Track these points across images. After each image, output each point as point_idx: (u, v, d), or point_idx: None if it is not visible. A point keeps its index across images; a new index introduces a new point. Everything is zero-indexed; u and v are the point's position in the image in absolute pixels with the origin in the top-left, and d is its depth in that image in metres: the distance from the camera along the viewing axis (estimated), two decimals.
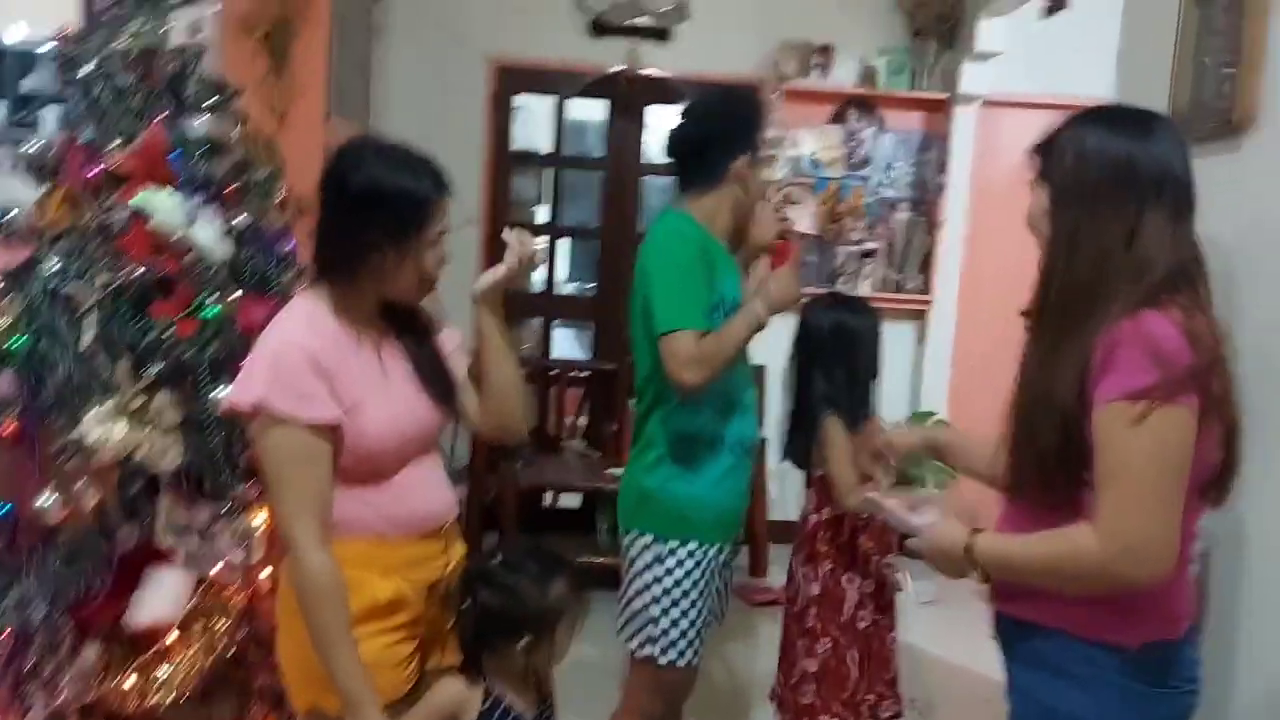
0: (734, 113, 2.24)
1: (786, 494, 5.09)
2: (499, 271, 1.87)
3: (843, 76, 5.03)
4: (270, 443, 1.63)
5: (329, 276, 1.72)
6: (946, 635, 3.91)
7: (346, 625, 1.61)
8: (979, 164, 4.99)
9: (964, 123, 4.91)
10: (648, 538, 2.19)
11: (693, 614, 2.18)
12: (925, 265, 5.05)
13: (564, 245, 5.88)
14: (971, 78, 4.82)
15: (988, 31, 4.67)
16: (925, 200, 5.08)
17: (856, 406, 2.45)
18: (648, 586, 2.19)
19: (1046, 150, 1.61)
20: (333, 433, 1.65)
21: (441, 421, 1.82)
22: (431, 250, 1.76)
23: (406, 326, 1.83)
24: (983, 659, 3.28)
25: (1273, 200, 2.38)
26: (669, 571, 2.17)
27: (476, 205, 5.10)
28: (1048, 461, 1.45)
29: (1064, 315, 1.48)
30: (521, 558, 1.78)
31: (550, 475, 4.47)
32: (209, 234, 2.03)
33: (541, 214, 5.51)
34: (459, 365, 1.90)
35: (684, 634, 2.17)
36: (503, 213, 5.19)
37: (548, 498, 4.97)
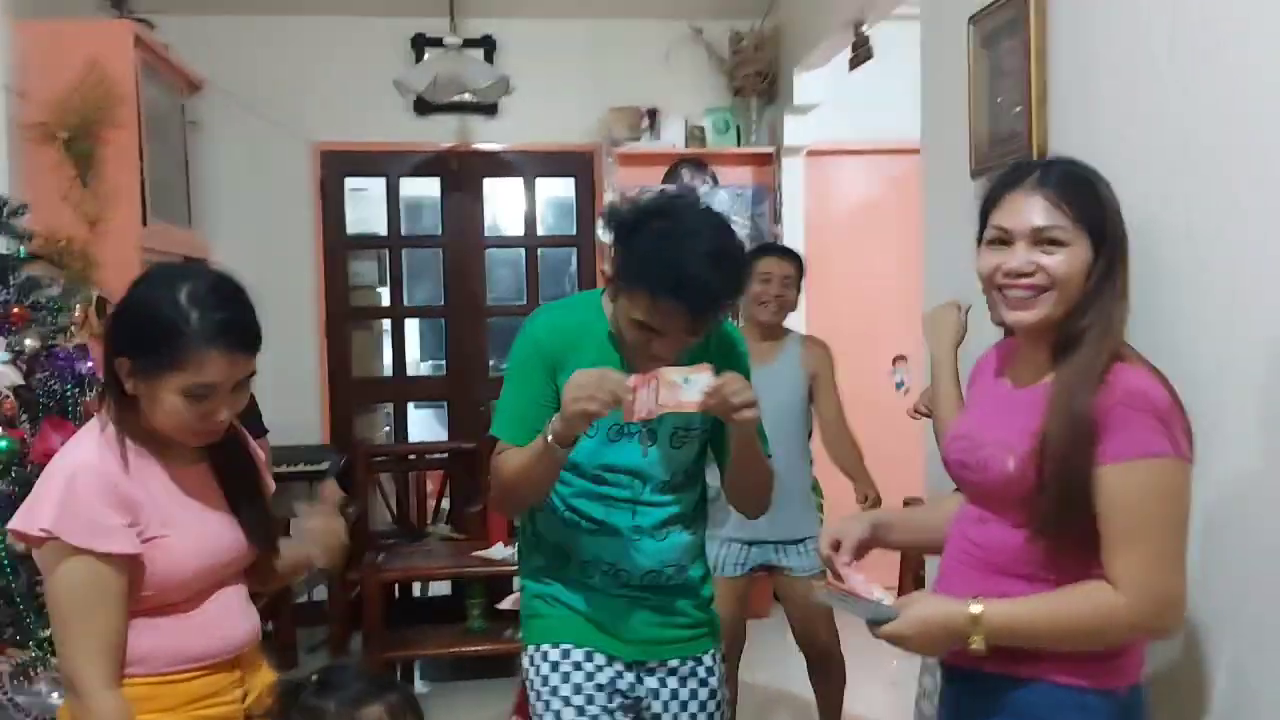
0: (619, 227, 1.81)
1: None
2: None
3: (672, 137, 5.12)
4: (60, 575, 1.52)
5: (114, 397, 1.60)
6: None
7: None
8: (811, 211, 5.14)
9: (792, 173, 5.06)
10: None
11: None
12: None
13: (412, 325, 5.79)
14: (794, 130, 4.98)
15: (804, 84, 4.84)
16: None
17: None
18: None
19: (1082, 203, 1.53)
20: (130, 563, 1.54)
21: (251, 552, 1.71)
22: (185, 401, 1.55)
23: (218, 446, 1.69)
24: None
25: None
26: (529, 689, 1.98)
27: (313, 291, 5.00)
28: (1078, 501, 1.43)
29: (1088, 364, 1.46)
30: (341, 677, 1.62)
31: (417, 563, 4.33)
32: None
33: (384, 296, 5.42)
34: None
35: None
36: (342, 298, 5.09)
37: (416, 588, 4.82)
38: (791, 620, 3.30)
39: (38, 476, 1.90)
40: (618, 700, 1.92)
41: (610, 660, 1.92)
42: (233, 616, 1.69)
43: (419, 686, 4.34)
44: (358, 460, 4.82)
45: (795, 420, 3.25)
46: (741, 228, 5.15)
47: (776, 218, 5.04)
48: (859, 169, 5.25)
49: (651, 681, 1.95)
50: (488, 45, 5.00)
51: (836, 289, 5.18)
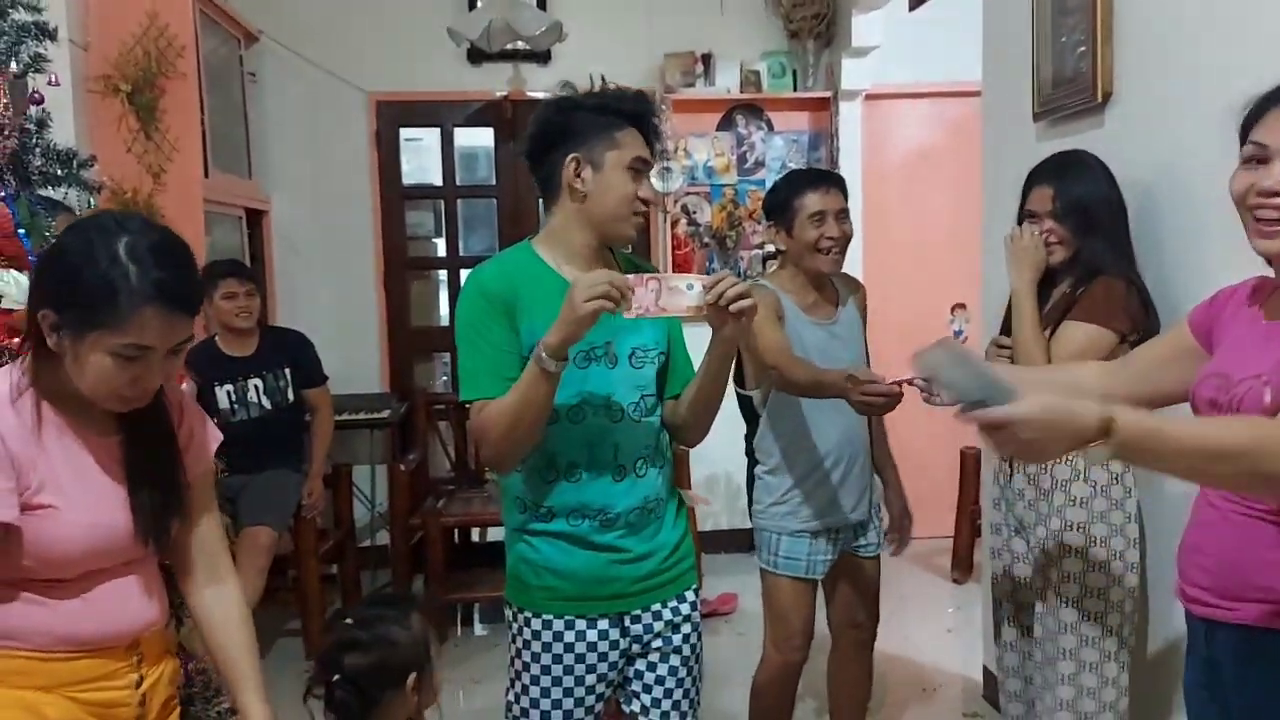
0: (558, 110, 1.94)
1: (716, 502, 5.09)
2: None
3: (727, 83, 5.07)
4: None
5: (34, 349, 1.46)
6: None
7: None
8: (868, 156, 5.07)
9: (849, 118, 4.97)
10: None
11: (532, 692, 1.97)
12: None
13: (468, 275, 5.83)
14: (852, 73, 4.88)
15: (863, 27, 4.74)
16: None
17: None
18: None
19: None
20: (4, 529, 1.40)
21: (139, 546, 1.53)
22: (115, 363, 1.40)
23: (136, 420, 1.52)
24: None
25: (1136, 164, 2.46)
26: (511, 642, 2.02)
27: (371, 241, 5.05)
28: None
29: None
30: (371, 609, 1.75)
31: (475, 508, 4.41)
32: None
33: (440, 246, 5.45)
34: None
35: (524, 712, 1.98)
36: (399, 248, 5.13)
37: (475, 532, 4.92)
38: (840, 600, 2.82)
39: None
40: (602, 665, 1.95)
41: (592, 622, 1.95)
42: (130, 601, 1.55)
43: (479, 629, 4.44)
44: (418, 408, 4.89)
45: None
46: None
47: (834, 163, 4.97)
48: (918, 113, 5.16)
49: (636, 628, 1.98)
50: None
51: (894, 235, 5.13)
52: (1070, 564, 2.28)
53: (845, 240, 2.66)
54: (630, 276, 1.71)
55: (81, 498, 1.46)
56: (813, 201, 2.61)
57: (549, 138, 1.92)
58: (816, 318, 2.70)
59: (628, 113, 1.92)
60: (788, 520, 2.66)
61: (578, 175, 1.89)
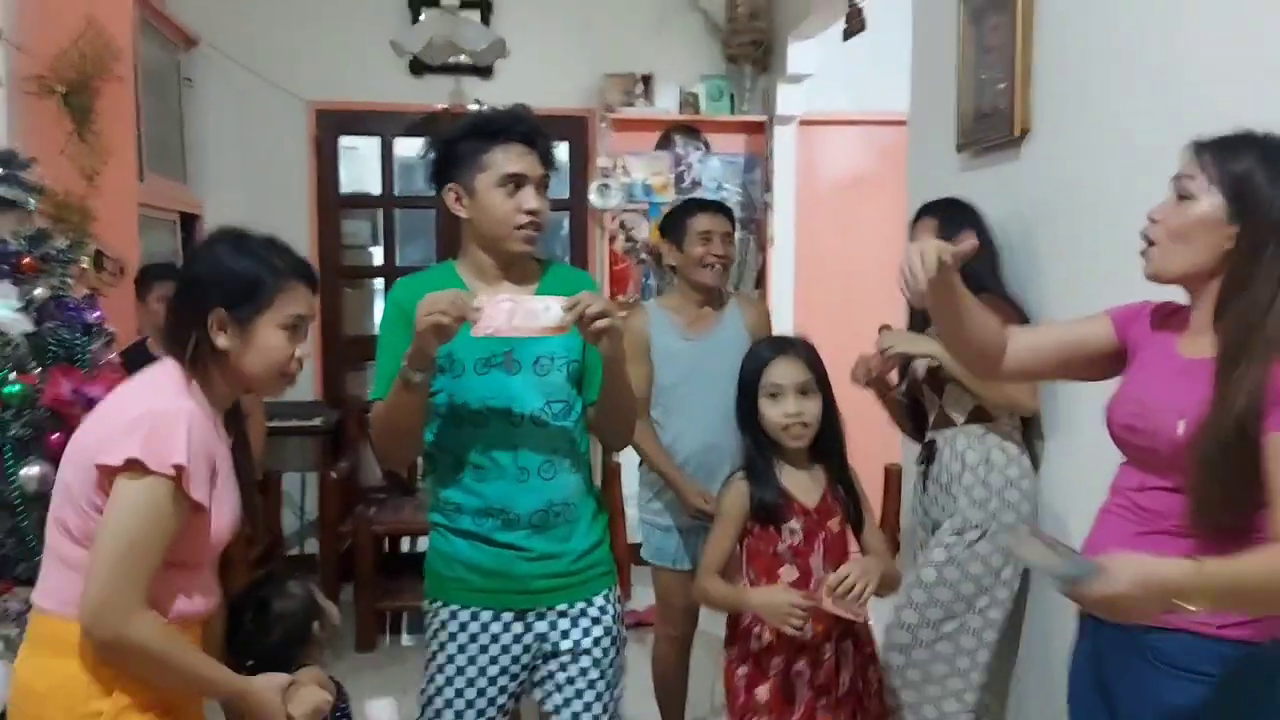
0: (440, 144, 2.02)
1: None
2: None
3: (666, 104, 5.17)
4: (151, 505, 1.50)
5: (193, 357, 1.64)
6: None
7: (198, 658, 1.60)
8: (802, 179, 5.19)
9: (784, 142, 5.10)
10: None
11: (438, 680, 2.06)
12: (760, 280, 5.21)
13: None
14: (787, 99, 5.02)
15: (798, 54, 4.87)
16: (755, 219, 5.25)
17: None
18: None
19: (1226, 161, 1.49)
20: (195, 510, 1.57)
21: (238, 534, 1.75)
22: (281, 334, 1.66)
23: (234, 423, 1.75)
24: None
25: (1047, 195, 2.59)
26: (425, 633, 2.12)
27: (306, 249, 5.02)
28: (1236, 492, 1.42)
29: (1246, 345, 1.44)
30: (253, 594, 1.91)
31: (406, 517, 4.42)
32: (5, 309, 1.96)
33: (377, 256, 5.46)
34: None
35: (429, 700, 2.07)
36: (334, 256, 5.13)
37: (405, 542, 4.91)
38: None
39: (48, 421, 2.00)
40: (504, 659, 2.03)
41: (497, 615, 2.02)
42: (214, 579, 1.73)
43: (406, 639, 4.43)
44: (349, 416, 4.89)
45: None
46: (734, 195, 5.21)
47: (768, 186, 5.10)
48: (851, 139, 5.30)
49: (542, 626, 2.04)
50: (484, 7, 5.01)
51: (826, 255, 5.25)
52: (959, 552, 2.48)
53: (728, 260, 3.03)
54: (482, 297, 1.82)
55: (229, 495, 1.67)
56: (702, 222, 2.98)
57: (436, 173, 2.02)
58: (693, 333, 3.00)
59: (498, 130, 1.98)
60: (658, 516, 2.96)
61: (458, 203, 1.98)
